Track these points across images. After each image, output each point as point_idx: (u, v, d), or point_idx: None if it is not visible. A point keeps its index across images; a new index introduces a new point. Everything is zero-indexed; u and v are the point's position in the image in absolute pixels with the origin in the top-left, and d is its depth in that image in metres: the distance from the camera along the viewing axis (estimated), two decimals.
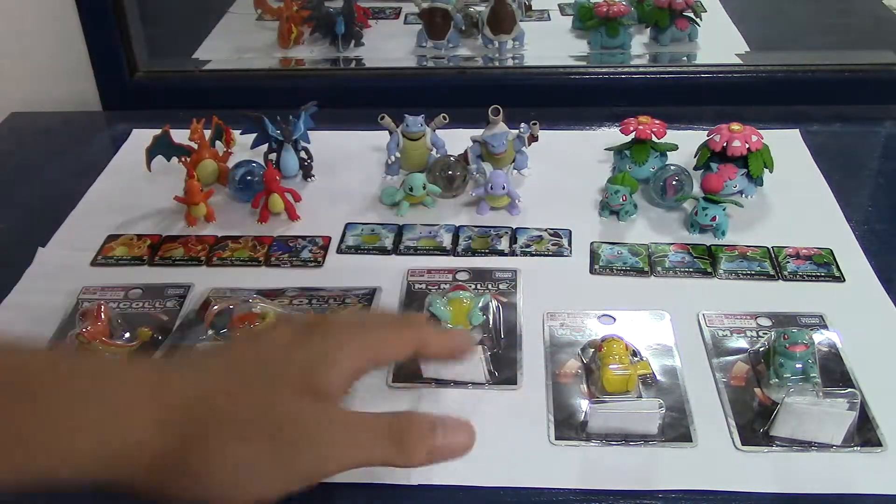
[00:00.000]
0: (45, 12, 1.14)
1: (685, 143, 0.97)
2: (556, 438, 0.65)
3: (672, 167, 0.92)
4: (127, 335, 0.75)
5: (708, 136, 0.93)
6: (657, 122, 0.94)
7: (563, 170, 0.99)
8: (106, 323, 0.74)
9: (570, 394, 0.69)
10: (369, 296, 0.78)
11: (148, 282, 0.82)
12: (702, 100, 1.13)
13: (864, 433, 0.64)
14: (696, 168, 0.94)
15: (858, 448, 0.63)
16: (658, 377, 0.69)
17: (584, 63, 1.27)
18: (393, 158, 0.98)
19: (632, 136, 0.94)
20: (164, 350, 0.69)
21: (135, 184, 0.99)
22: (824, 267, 0.82)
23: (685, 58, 1.27)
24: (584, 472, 0.62)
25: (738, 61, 1.21)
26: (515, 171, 0.98)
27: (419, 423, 0.52)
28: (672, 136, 0.96)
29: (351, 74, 1.26)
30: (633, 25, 1.26)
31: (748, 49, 1.24)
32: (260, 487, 0.47)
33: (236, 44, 1.31)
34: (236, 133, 1.02)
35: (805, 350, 0.68)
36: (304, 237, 0.89)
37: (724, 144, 0.90)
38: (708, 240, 0.87)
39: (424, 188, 0.91)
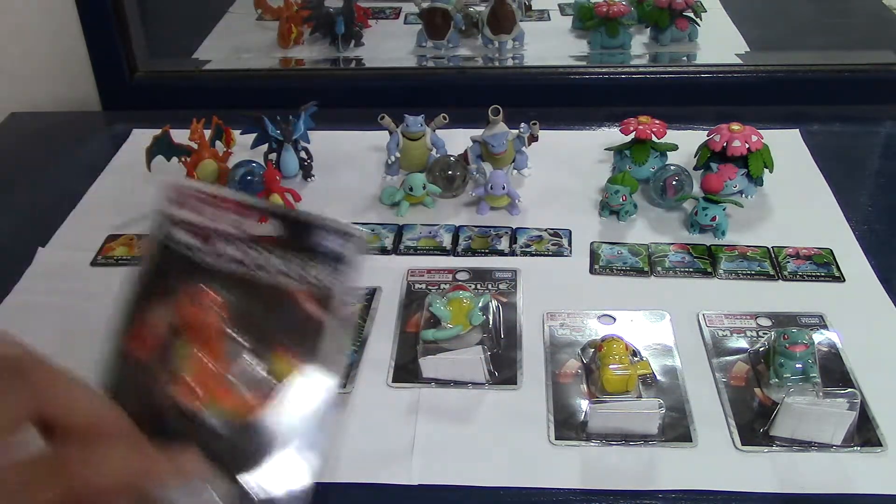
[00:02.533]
0: (45, 12, 1.14)
1: (685, 143, 0.97)
2: (556, 438, 0.65)
3: (672, 167, 0.92)
4: None
5: (708, 136, 0.93)
6: (657, 122, 0.94)
7: (563, 170, 0.99)
8: None
9: (570, 394, 0.69)
10: (369, 296, 0.78)
11: None
12: (702, 100, 1.13)
13: (864, 433, 0.64)
14: (696, 168, 0.94)
15: (858, 448, 0.63)
16: (658, 377, 0.69)
17: (584, 63, 1.27)
18: (393, 158, 0.98)
19: (632, 136, 0.94)
20: None
21: (135, 184, 0.98)
22: (824, 267, 0.82)
23: (685, 58, 1.27)
24: (584, 472, 0.62)
25: (738, 61, 1.21)
26: (515, 171, 0.98)
27: None
28: (672, 136, 0.96)
29: (351, 74, 1.26)
30: (633, 25, 1.26)
31: (748, 49, 1.25)
32: None
33: (236, 44, 1.31)
34: (236, 133, 1.02)
35: (805, 350, 0.68)
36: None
37: (724, 144, 0.90)
38: (708, 240, 0.87)
39: (424, 188, 0.91)
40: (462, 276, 0.82)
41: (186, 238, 0.45)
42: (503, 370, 0.71)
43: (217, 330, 0.43)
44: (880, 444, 0.63)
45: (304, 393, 0.42)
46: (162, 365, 0.42)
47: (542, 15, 1.38)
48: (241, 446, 0.41)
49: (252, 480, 0.41)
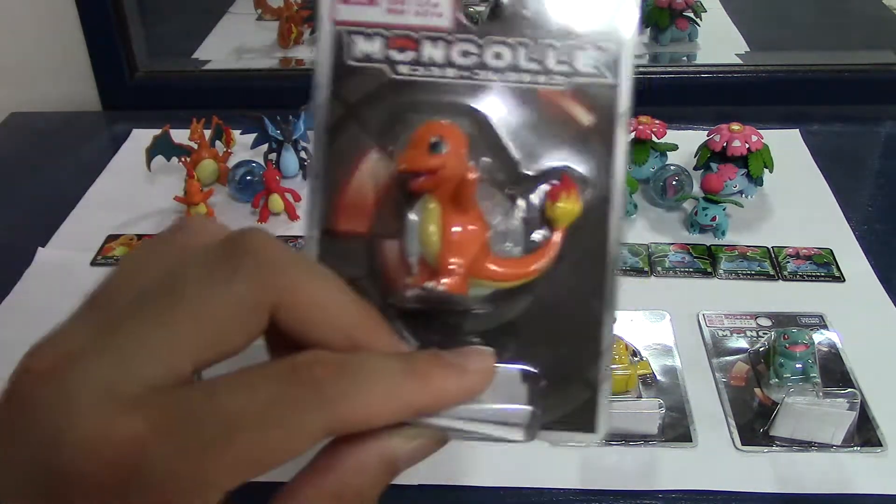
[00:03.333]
0: (45, 12, 1.14)
1: (685, 143, 0.97)
2: None
3: (672, 167, 0.92)
4: None
5: (708, 136, 0.93)
6: (657, 122, 0.94)
7: None
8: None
9: None
10: None
11: None
12: (702, 100, 1.13)
13: (864, 433, 0.64)
14: (696, 168, 0.94)
15: (858, 448, 0.63)
16: (658, 377, 0.69)
17: None
18: None
19: (632, 136, 0.94)
20: None
21: (135, 184, 0.99)
22: (824, 267, 0.82)
23: (685, 58, 1.27)
24: (584, 472, 0.62)
25: (738, 61, 1.21)
26: None
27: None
28: (672, 136, 0.96)
29: None
30: None
31: (748, 49, 1.24)
32: None
33: (236, 44, 1.31)
34: (236, 133, 1.02)
35: (805, 350, 0.68)
36: (304, 237, 0.88)
37: (724, 144, 0.90)
38: (708, 240, 0.87)
39: None
40: None
41: (378, 51, 0.32)
42: None
43: (465, 176, 0.30)
44: (880, 444, 0.63)
45: (595, 237, 0.31)
46: (396, 237, 0.31)
47: None
48: (524, 324, 0.31)
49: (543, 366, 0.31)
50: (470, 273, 0.30)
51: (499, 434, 0.29)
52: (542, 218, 0.31)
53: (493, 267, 0.30)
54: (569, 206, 0.30)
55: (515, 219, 0.31)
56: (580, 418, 0.32)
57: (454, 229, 0.30)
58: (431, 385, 0.28)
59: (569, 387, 0.31)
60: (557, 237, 0.31)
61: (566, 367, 0.31)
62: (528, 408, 0.30)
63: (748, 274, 0.82)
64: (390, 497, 0.62)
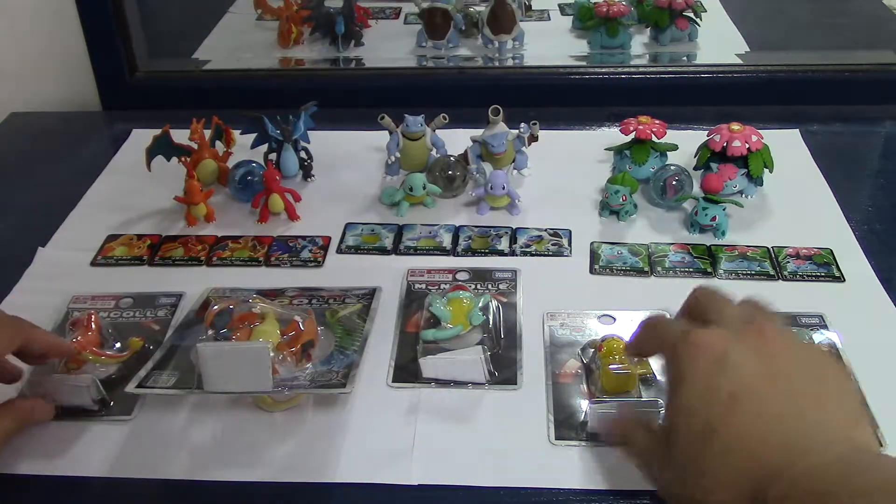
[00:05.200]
0: (45, 12, 1.14)
1: (685, 143, 0.97)
2: (556, 438, 0.65)
3: (672, 167, 0.92)
4: (118, 345, 0.74)
5: (708, 136, 0.93)
6: (657, 122, 0.94)
7: (563, 170, 0.99)
8: (96, 332, 0.73)
9: (570, 394, 0.69)
10: (369, 296, 0.78)
11: (140, 290, 0.82)
12: (702, 100, 1.13)
13: None
14: (696, 168, 0.94)
15: None
16: (658, 377, 0.69)
17: (584, 63, 1.27)
18: (393, 158, 0.98)
19: (632, 136, 0.94)
20: (163, 351, 0.69)
21: (135, 184, 0.99)
22: (824, 267, 0.82)
23: (685, 58, 1.27)
24: (584, 472, 0.62)
25: (738, 61, 1.21)
26: (515, 171, 0.98)
27: None
28: (672, 136, 0.96)
29: (351, 74, 1.26)
30: (633, 25, 1.26)
31: (748, 49, 1.25)
32: None
33: (236, 44, 1.31)
34: (236, 133, 1.02)
35: None
36: (304, 237, 0.89)
37: (724, 144, 0.90)
38: (708, 240, 0.87)
39: (424, 188, 0.91)
40: (462, 276, 0.82)
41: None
42: (503, 370, 0.71)
43: (97, 329, 0.73)
44: (880, 444, 0.63)
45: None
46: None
47: (542, 15, 1.38)
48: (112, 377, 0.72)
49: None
50: (90, 351, 0.72)
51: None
52: None
53: (99, 353, 0.73)
54: (135, 342, 0.75)
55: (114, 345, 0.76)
56: None
57: (86, 340, 0.73)
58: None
59: None
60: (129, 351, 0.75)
61: None
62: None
63: (748, 274, 0.82)
64: (391, 497, 0.62)
